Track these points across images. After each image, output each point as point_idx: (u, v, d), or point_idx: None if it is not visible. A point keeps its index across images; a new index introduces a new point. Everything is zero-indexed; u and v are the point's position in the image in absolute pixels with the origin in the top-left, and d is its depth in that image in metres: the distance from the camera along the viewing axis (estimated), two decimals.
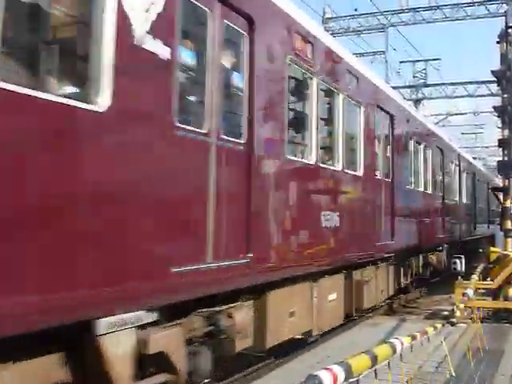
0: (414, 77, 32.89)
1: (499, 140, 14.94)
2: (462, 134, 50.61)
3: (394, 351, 6.06)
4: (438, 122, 36.00)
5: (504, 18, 15.02)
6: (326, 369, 4.54)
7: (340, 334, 11.17)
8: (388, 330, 11.21)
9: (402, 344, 6.36)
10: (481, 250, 24.37)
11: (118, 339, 4.64)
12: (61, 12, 4.59)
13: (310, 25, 8.68)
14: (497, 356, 9.36)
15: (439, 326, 8.67)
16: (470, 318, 11.82)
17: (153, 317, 5.05)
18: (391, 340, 6.48)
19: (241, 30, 6.59)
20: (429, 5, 28.04)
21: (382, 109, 12.33)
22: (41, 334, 3.93)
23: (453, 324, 10.40)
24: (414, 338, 7.09)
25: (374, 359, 5.41)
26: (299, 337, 8.62)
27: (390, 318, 13.24)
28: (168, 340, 5.21)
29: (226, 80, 6.48)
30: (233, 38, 6.61)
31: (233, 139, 6.34)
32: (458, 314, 10.83)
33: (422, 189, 16.11)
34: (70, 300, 4.13)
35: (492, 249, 15.46)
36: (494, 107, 15.58)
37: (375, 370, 5.51)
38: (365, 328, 11.93)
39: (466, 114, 41.66)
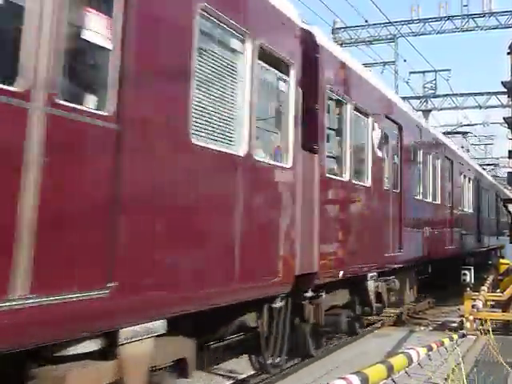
0: (423, 87, 32.87)
1: (509, 151, 14.89)
2: (472, 144, 50.41)
3: (411, 361, 6.01)
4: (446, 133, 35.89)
5: None
6: (343, 378, 4.51)
7: (348, 345, 11.11)
8: (397, 341, 11.12)
9: (419, 354, 6.31)
10: (490, 262, 24.43)
11: None
12: None
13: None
14: (506, 368, 9.26)
15: (455, 336, 8.58)
16: (479, 330, 11.73)
17: None
18: (407, 350, 6.43)
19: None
20: (439, 15, 28.09)
21: (447, 158, 18.16)
22: None
23: (462, 336, 10.32)
24: (430, 348, 7.02)
25: (391, 369, 5.38)
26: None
27: (399, 329, 13.14)
28: None
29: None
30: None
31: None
32: (467, 325, 10.75)
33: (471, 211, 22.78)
34: None
35: (501, 261, 15.37)
36: (505, 118, 15.55)
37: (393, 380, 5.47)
38: (373, 339, 11.85)
39: (475, 125, 41.51)
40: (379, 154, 11.13)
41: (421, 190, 14.79)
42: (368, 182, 10.49)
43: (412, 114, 16.02)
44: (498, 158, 50.91)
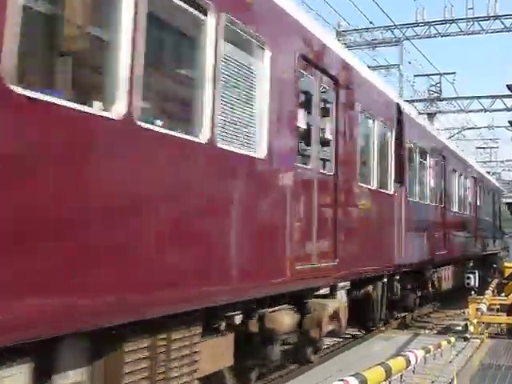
0: (428, 90, 32.80)
1: None
2: (477, 148, 50.34)
3: (409, 364, 6.02)
4: (451, 136, 35.84)
5: None
6: (342, 380, 4.51)
7: (352, 348, 11.10)
8: (401, 344, 11.11)
9: (417, 357, 6.31)
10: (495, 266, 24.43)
11: None
12: None
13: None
14: (510, 372, 9.25)
15: (453, 339, 8.58)
16: (484, 334, 11.71)
17: None
18: (405, 352, 6.43)
19: None
20: (444, 18, 28.03)
21: (471, 176, 22.16)
22: None
23: (466, 339, 10.30)
24: (427, 351, 7.03)
25: (389, 371, 5.38)
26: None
27: (403, 332, 13.13)
28: None
29: None
30: None
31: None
32: (471, 329, 10.72)
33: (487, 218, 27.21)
34: None
35: (506, 264, 15.31)
36: (510, 122, 15.53)
37: (389, 383, 5.47)
38: (377, 342, 11.84)
39: (480, 128, 41.43)
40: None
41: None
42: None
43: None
44: (502, 162, 50.84)
